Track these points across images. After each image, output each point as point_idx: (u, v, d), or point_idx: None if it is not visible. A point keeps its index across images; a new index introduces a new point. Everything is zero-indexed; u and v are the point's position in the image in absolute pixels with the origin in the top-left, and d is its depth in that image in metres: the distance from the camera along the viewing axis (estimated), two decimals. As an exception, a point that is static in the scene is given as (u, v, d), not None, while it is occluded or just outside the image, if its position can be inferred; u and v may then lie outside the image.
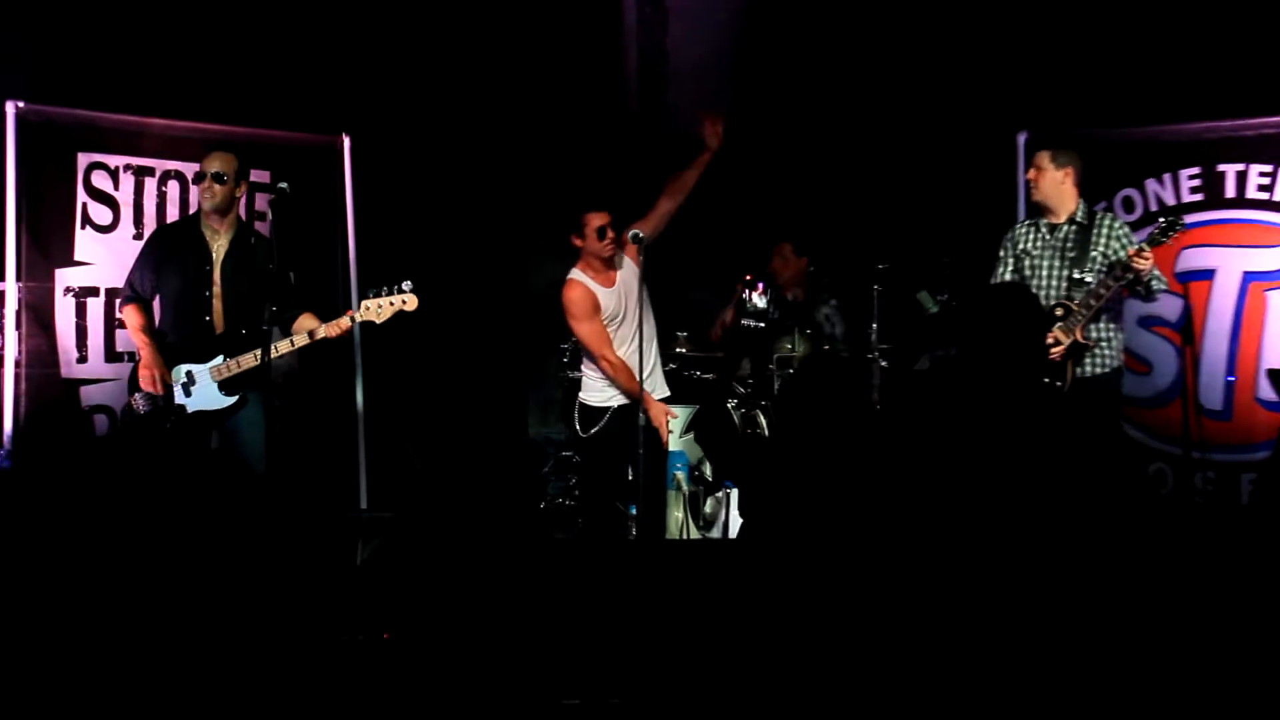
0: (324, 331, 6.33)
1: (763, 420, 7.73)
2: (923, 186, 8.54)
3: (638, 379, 6.50)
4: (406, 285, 6.26)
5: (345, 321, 6.34)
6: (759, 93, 8.91)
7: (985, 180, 7.86)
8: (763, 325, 7.99)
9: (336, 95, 8.05)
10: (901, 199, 8.61)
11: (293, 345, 6.35)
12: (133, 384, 6.55)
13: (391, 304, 6.29)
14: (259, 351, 6.29)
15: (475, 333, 8.67)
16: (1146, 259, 6.27)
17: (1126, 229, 6.62)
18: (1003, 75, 8.22)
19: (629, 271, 6.63)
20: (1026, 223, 6.76)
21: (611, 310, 6.61)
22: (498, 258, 8.84)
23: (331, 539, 6.68)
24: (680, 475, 7.48)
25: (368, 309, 6.31)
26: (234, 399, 6.44)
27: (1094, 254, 6.53)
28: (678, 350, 7.91)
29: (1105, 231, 6.58)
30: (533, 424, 8.98)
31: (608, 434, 6.65)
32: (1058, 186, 6.60)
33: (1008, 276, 6.73)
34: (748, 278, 8.10)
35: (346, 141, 7.83)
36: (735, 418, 7.71)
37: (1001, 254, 6.79)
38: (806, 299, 8.32)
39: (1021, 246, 6.71)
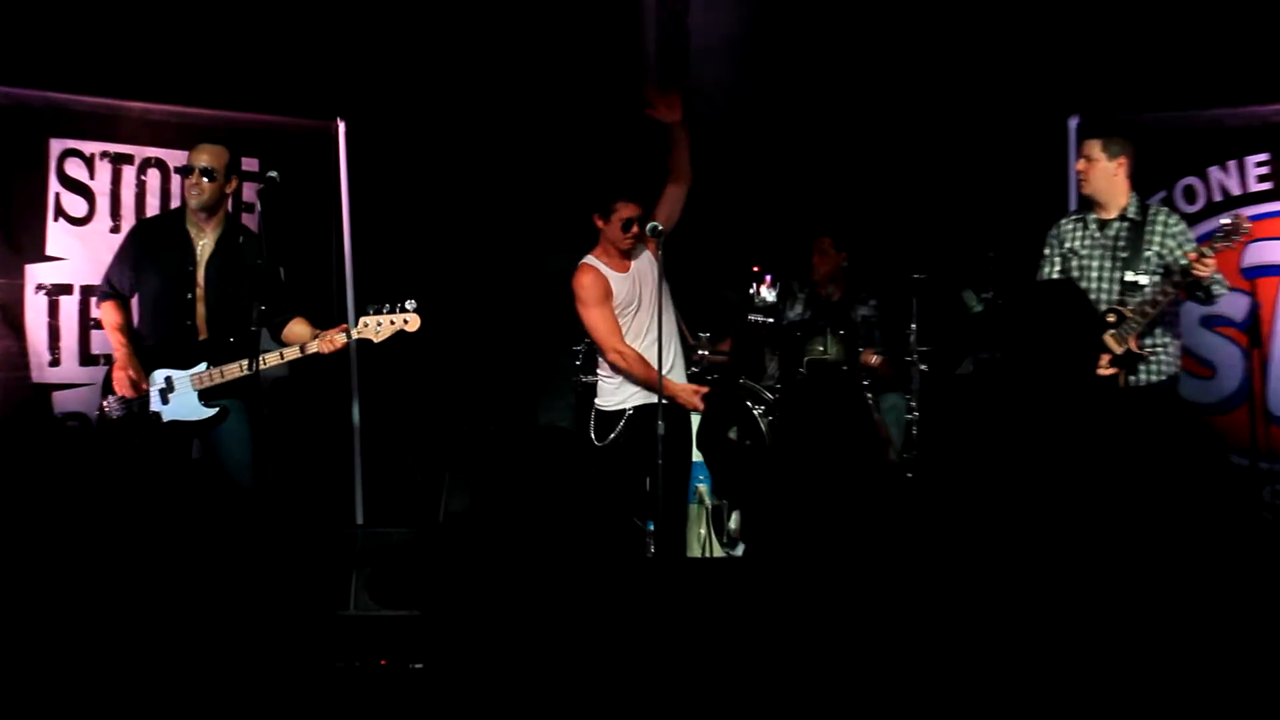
0: (316, 347, 6.29)
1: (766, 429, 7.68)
2: (966, 176, 8.53)
3: (653, 379, 6.47)
4: (410, 304, 6.26)
5: (340, 338, 6.31)
6: (790, 75, 8.88)
7: (1033, 169, 7.83)
8: (771, 321, 7.99)
9: (330, 76, 7.97)
10: (943, 189, 8.59)
11: (282, 358, 6.33)
12: (106, 386, 6.50)
13: (392, 323, 6.28)
14: (245, 362, 6.25)
15: (481, 334, 8.68)
16: (1208, 265, 6.15)
17: (1183, 225, 6.51)
18: (1052, 56, 8.17)
19: (645, 261, 6.66)
20: (1073, 217, 6.68)
21: (624, 297, 6.62)
22: (505, 253, 8.81)
23: (325, 557, 6.63)
24: (703, 488, 7.46)
25: (365, 326, 6.30)
26: (213, 411, 6.40)
27: (1148, 254, 6.44)
28: (700, 353, 7.87)
29: (1160, 229, 6.48)
30: (541, 418, 8.96)
31: (624, 441, 6.62)
32: (1110, 179, 6.52)
33: (1054, 277, 6.64)
34: (755, 269, 8.11)
35: (341, 127, 7.79)
36: (763, 426, 7.65)
37: (1047, 251, 6.71)
38: (843, 298, 8.33)
39: (1068, 245, 6.64)
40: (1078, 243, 6.61)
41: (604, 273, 6.60)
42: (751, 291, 8.14)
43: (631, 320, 6.64)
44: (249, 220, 7.30)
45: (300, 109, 7.79)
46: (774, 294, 8.09)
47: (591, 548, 6.70)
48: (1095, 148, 6.53)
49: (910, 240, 8.28)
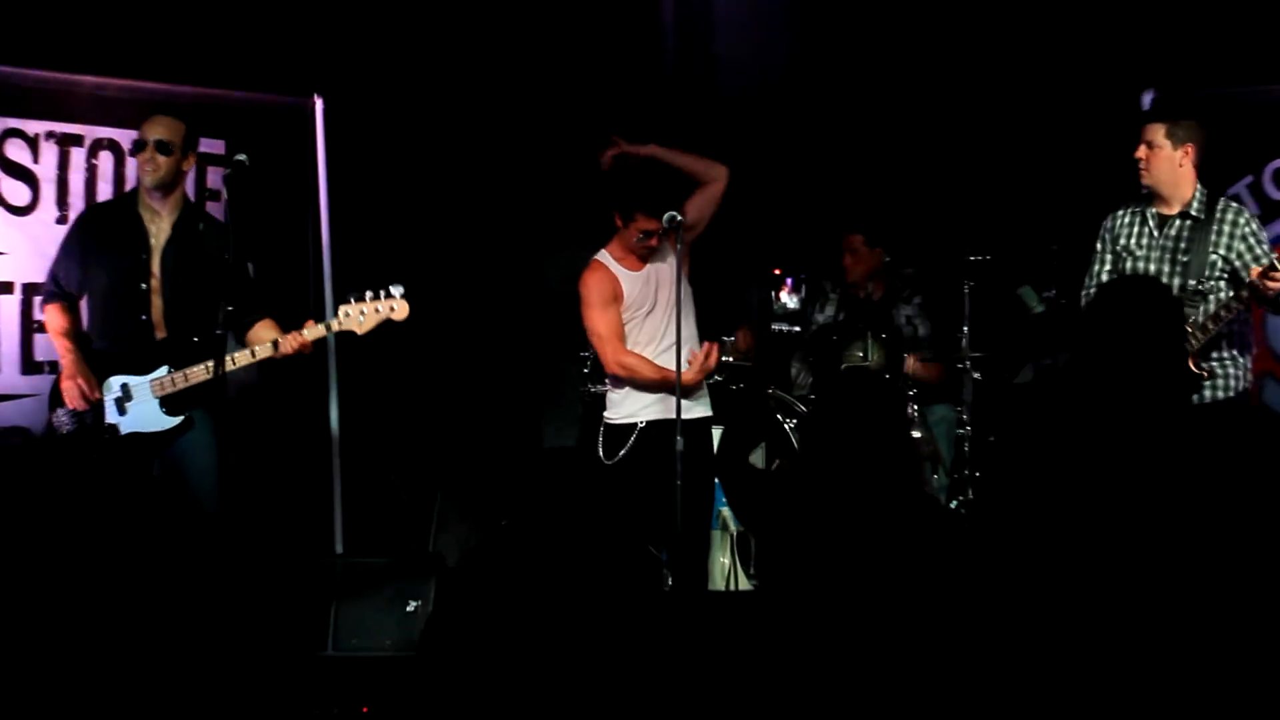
0: (290, 343, 6.24)
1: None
2: (1025, 158, 8.48)
3: (669, 377, 6.49)
4: (396, 290, 6.22)
5: (319, 329, 6.26)
6: (824, 44, 8.88)
7: (1102, 150, 7.60)
8: (797, 329, 8.02)
9: (306, 46, 7.94)
10: (999, 174, 8.55)
11: (253, 357, 6.26)
12: (54, 399, 6.43)
13: (377, 311, 6.24)
14: (211, 363, 6.16)
15: (476, 338, 8.69)
16: (1278, 280, 5.97)
17: (1254, 226, 6.33)
18: (1123, 21, 8.12)
19: (666, 261, 6.64)
20: (1131, 209, 6.54)
21: (635, 299, 6.65)
22: (504, 248, 8.81)
23: (300, 590, 6.70)
24: (726, 512, 7.41)
25: (347, 316, 6.25)
26: (178, 420, 6.34)
27: (1213, 258, 6.26)
28: (724, 359, 7.74)
29: (1228, 229, 6.30)
30: (547, 435, 8.97)
31: (635, 459, 6.63)
32: (1174, 169, 6.34)
33: (1104, 277, 6.53)
34: (776, 271, 8.14)
35: (319, 104, 7.78)
36: (795, 443, 7.61)
37: (1099, 247, 6.60)
38: (884, 297, 8.33)
39: (1123, 242, 6.50)
40: (1133, 240, 6.47)
41: (614, 271, 6.64)
42: (773, 297, 8.20)
43: (643, 323, 6.67)
44: (214, 210, 7.24)
45: (272, 84, 7.78)
46: (797, 299, 8.12)
47: (599, 581, 6.53)
48: (1159, 132, 6.35)
49: (960, 232, 8.21)
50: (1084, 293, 6.57)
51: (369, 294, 6.22)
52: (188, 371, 6.27)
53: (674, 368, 6.41)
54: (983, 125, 8.65)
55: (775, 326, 8.14)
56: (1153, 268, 6.40)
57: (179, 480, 6.40)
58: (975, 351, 7.85)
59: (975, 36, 8.63)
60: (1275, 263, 5.98)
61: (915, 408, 7.75)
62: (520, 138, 8.76)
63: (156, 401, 6.32)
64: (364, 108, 8.11)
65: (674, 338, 6.45)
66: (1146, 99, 7.49)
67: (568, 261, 7.22)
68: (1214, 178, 6.50)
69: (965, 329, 7.80)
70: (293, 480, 7.77)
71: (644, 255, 6.63)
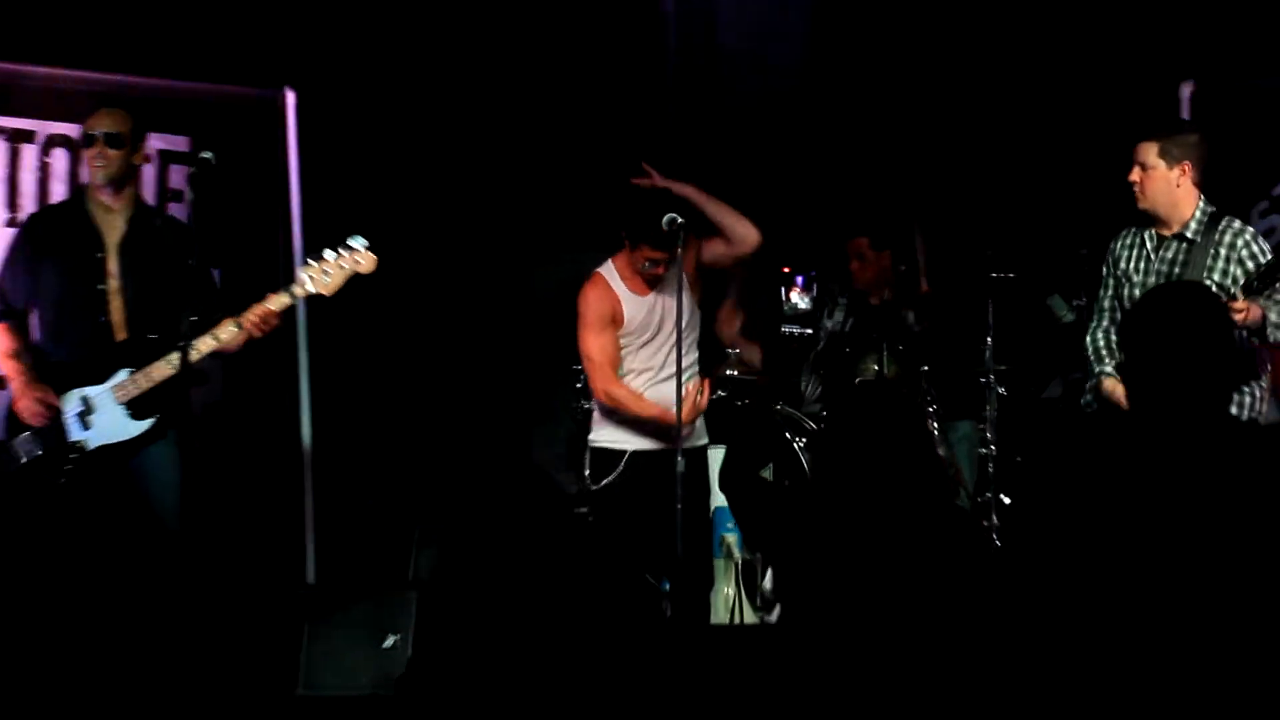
0: (252, 317, 6.18)
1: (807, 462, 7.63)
2: (1053, 156, 8.45)
3: (665, 408, 6.51)
4: (358, 242, 6.23)
5: (282, 298, 6.23)
6: (834, 30, 8.89)
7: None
8: (808, 332, 8.00)
9: (278, 36, 7.95)
10: (1024, 172, 8.54)
11: (217, 342, 6.18)
12: (11, 426, 6.35)
13: (342, 268, 6.23)
14: (175, 357, 6.10)
15: (460, 348, 8.67)
16: (1241, 310, 5.91)
17: (1256, 248, 6.28)
18: (1159, 8, 8.12)
19: (673, 288, 6.48)
20: (1133, 231, 6.53)
21: (636, 324, 6.64)
22: (492, 252, 8.78)
23: (270, 623, 6.70)
24: (731, 539, 7.38)
25: (311, 279, 6.22)
26: (148, 423, 6.28)
27: (1205, 282, 6.24)
28: (727, 372, 7.78)
29: (1225, 252, 6.27)
30: (535, 450, 8.92)
31: (626, 484, 6.63)
32: (1171, 190, 6.33)
33: (1106, 304, 6.55)
34: (785, 270, 8.09)
35: (290, 98, 7.79)
36: (805, 463, 7.56)
37: (1104, 271, 6.60)
38: (893, 301, 8.32)
39: (1122, 266, 6.50)
40: (1130, 264, 6.46)
41: (616, 290, 6.61)
42: (782, 298, 8.14)
43: (639, 350, 6.67)
44: (177, 211, 7.15)
45: (240, 76, 7.76)
46: (808, 299, 8.08)
47: (591, 613, 6.65)
48: (1151, 152, 6.31)
49: (981, 234, 8.17)
50: (1092, 324, 6.59)
51: (328, 252, 6.22)
52: (150, 371, 6.21)
53: (665, 396, 6.49)
54: (1005, 120, 8.64)
55: (785, 329, 8.11)
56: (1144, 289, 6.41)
57: (143, 498, 6.35)
58: (1000, 365, 7.78)
59: (997, 26, 8.64)
60: (1238, 292, 5.95)
61: (936, 424, 7.69)
62: (510, 134, 8.73)
63: (122, 408, 6.27)
64: (339, 101, 8.08)
65: (673, 369, 6.48)
66: (1185, 91, 7.47)
67: (562, 267, 7.27)
68: (1259, 173, 6.46)
69: (989, 340, 7.74)
70: (261, 502, 7.72)
71: (651, 281, 6.61)
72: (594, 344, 6.59)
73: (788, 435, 7.64)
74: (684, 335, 6.46)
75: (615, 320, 6.57)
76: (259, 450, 7.78)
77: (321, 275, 6.20)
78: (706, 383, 6.59)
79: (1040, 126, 8.51)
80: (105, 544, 6.25)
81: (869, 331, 8.05)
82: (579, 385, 7.87)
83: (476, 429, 8.71)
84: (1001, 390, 7.82)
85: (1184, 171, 6.29)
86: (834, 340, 8.13)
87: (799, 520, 6.49)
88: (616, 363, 6.62)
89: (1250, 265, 6.21)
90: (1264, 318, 6.04)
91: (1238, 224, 6.35)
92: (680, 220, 6.27)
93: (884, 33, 8.86)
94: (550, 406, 8.74)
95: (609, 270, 6.62)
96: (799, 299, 8.16)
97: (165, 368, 6.18)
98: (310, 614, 6.74)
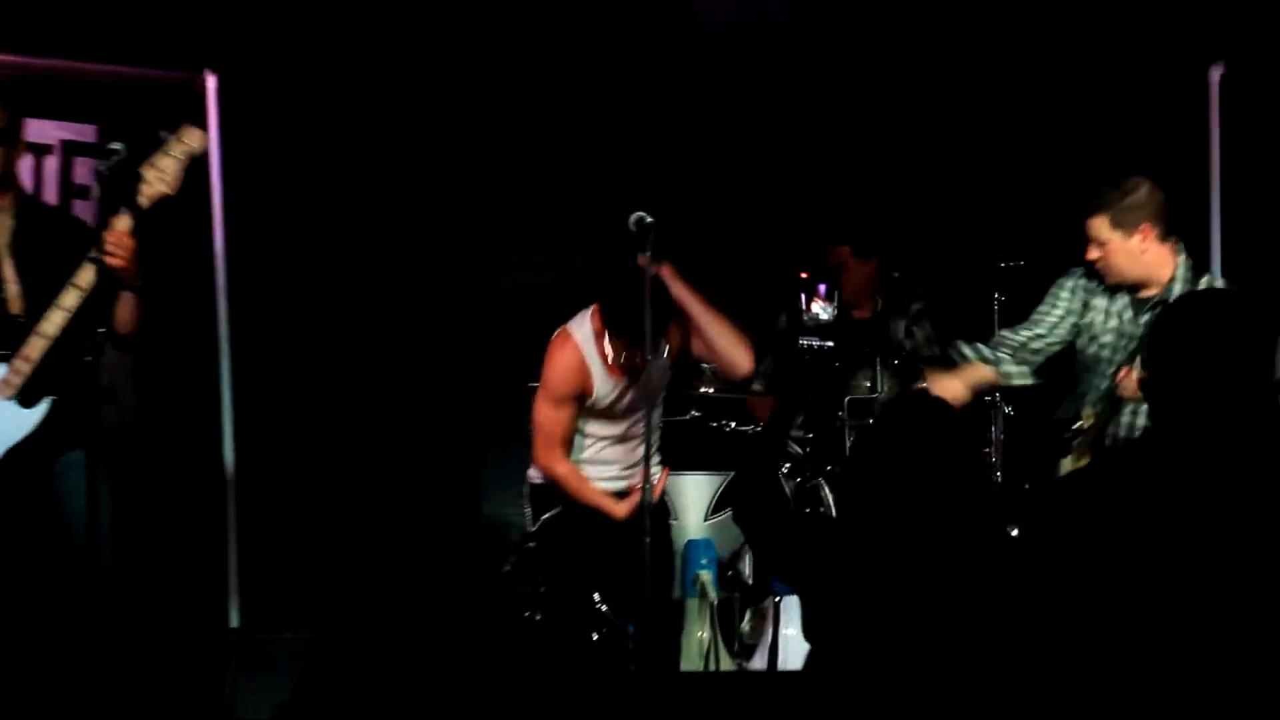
0: (107, 250, 5.86)
1: (830, 495, 7.61)
2: (1067, 146, 8.39)
3: (607, 498, 6.70)
4: (168, 134, 6.00)
5: (124, 217, 5.93)
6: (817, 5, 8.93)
7: (1161, 132, 7.79)
8: (830, 344, 7.88)
9: (197, 13, 7.91)
10: (1034, 165, 8.48)
11: (80, 290, 5.88)
12: None
13: (176, 157, 5.96)
14: (47, 325, 5.88)
15: (403, 361, 8.65)
16: (1132, 383, 6.12)
17: None
18: None
19: (656, 370, 6.47)
20: (1103, 286, 6.54)
21: (604, 403, 6.69)
22: (439, 251, 8.80)
23: (188, 671, 6.64)
24: (705, 576, 7.23)
25: (148, 184, 5.95)
26: (44, 408, 6.03)
27: None
28: (701, 390, 7.74)
29: None
30: (490, 500, 8.88)
31: (570, 521, 6.76)
32: (1137, 259, 6.33)
33: (1027, 336, 6.59)
34: (803, 275, 8.02)
35: (212, 82, 7.71)
36: (788, 489, 7.57)
37: (1056, 299, 6.63)
38: (882, 313, 8.35)
39: (1089, 317, 6.57)
40: (1100, 321, 6.52)
41: (588, 362, 6.62)
42: (800, 307, 8.04)
43: (602, 415, 6.73)
44: (84, 210, 7.08)
45: (155, 58, 7.69)
46: (831, 310, 7.98)
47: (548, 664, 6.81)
48: (1103, 227, 6.27)
49: (985, 234, 8.20)
50: (999, 347, 6.62)
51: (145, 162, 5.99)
52: (25, 352, 5.98)
53: (619, 459, 6.71)
54: (1013, 107, 8.64)
55: (804, 341, 7.98)
56: (1107, 354, 6.46)
57: (59, 528, 6.14)
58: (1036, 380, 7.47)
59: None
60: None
61: None
62: (457, 122, 8.71)
63: (13, 404, 6.05)
64: (266, 86, 8.05)
65: (633, 436, 6.66)
66: (1215, 76, 7.42)
67: (517, 275, 7.62)
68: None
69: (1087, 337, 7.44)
70: (178, 534, 7.69)
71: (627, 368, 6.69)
72: (549, 415, 6.66)
73: (774, 461, 7.41)
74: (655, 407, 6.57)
75: (583, 394, 6.61)
76: (176, 476, 7.75)
77: (158, 175, 5.96)
78: (665, 472, 6.68)
79: (1047, 114, 8.53)
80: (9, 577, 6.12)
81: (859, 347, 8.00)
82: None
83: (422, 452, 8.70)
84: (1008, 410, 7.75)
85: (1145, 235, 6.26)
86: (819, 359, 8.00)
87: (833, 552, 6.44)
88: (567, 438, 6.69)
89: None
90: None
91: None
92: (649, 220, 6.13)
93: (871, 8, 8.87)
94: (501, 424, 8.65)
95: (584, 334, 6.60)
96: (820, 309, 8.02)
97: (39, 341, 5.96)
98: (233, 662, 6.62)
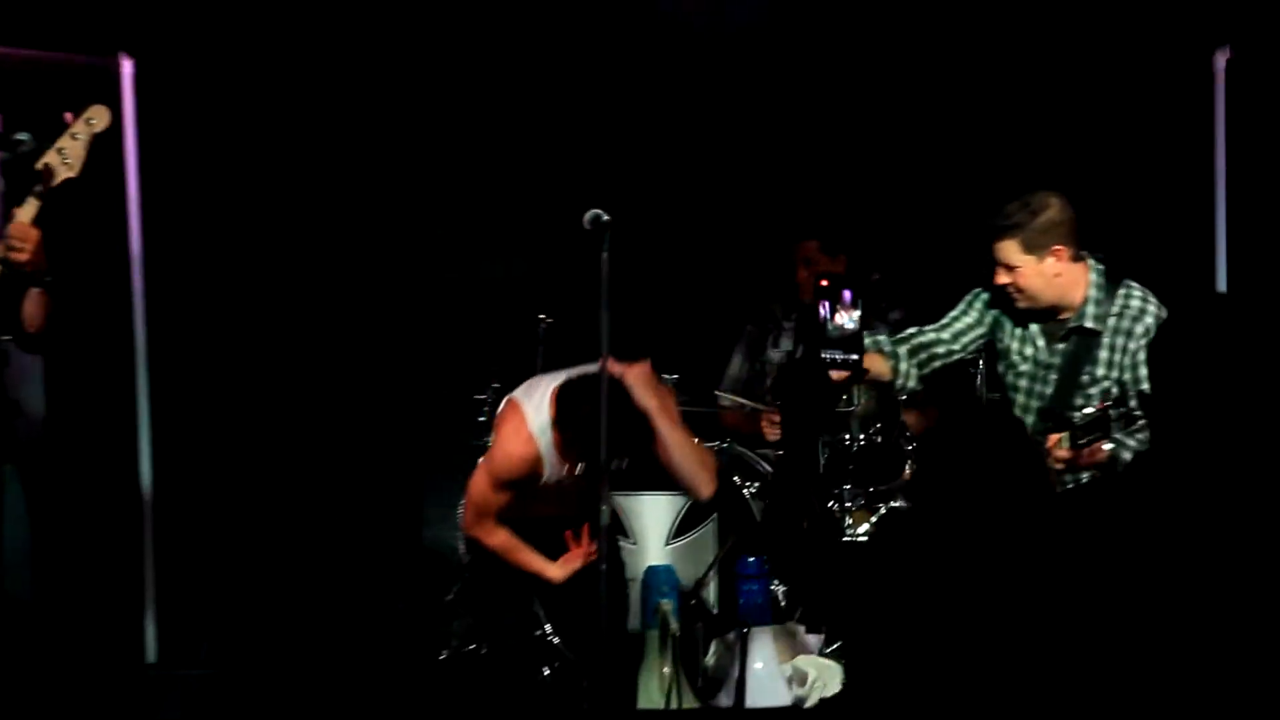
0: (10, 245, 5.82)
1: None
2: (1064, 137, 8.36)
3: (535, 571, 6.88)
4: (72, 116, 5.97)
5: (32, 202, 5.86)
6: None
7: (1162, 123, 7.85)
8: (854, 358, 7.54)
9: None
10: (1030, 155, 8.35)
11: None
12: None
13: (76, 138, 5.89)
14: None
15: (334, 371, 8.63)
16: (1062, 461, 6.17)
17: (1147, 336, 6.34)
18: None
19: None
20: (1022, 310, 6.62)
21: (550, 483, 6.77)
22: (375, 253, 8.76)
23: (99, 710, 6.62)
24: (666, 606, 7.05)
25: (50, 169, 5.85)
26: None
27: (1083, 378, 6.45)
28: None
29: (1121, 342, 6.43)
30: (431, 524, 8.76)
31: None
32: (1050, 282, 6.43)
33: (942, 336, 6.70)
34: (823, 284, 7.69)
35: (128, 67, 7.69)
36: (754, 510, 7.52)
37: (964, 304, 6.76)
38: (807, 322, 8.10)
39: (1004, 343, 6.69)
40: (1017, 347, 6.63)
41: (540, 448, 6.67)
42: (823, 317, 7.65)
43: (543, 490, 6.79)
44: None
45: (66, 40, 7.68)
46: (855, 318, 7.60)
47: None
48: (1012, 251, 6.39)
49: (967, 234, 7.83)
50: (900, 342, 6.79)
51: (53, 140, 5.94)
52: None
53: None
54: (1003, 94, 8.57)
55: (826, 354, 7.62)
56: (1036, 388, 6.54)
57: None
58: (994, 392, 7.51)
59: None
60: (1064, 441, 6.12)
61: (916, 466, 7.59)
62: (394, 112, 8.68)
63: None
64: (187, 70, 8.01)
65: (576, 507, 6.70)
66: (1220, 62, 7.42)
67: (462, 274, 7.66)
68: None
69: (981, 365, 7.54)
70: (91, 561, 7.66)
71: None
72: (488, 494, 6.73)
73: (736, 480, 7.53)
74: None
75: (529, 477, 6.67)
76: (89, 498, 7.72)
77: (62, 159, 5.88)
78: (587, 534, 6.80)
79: (1042, 102, 8.48)
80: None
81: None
82: (481, 418, 7.83)
83: (358, 471, 8.67)
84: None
85: (1058, 257, 6.33)
86: (786, 373, 7.91)
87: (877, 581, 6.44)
88: (495, 513, 6.77)
89: (1141, 373, 6.30)
90: (1114, 457, 6.14)
91: (1137, 301, 6.41)
92: (605, 218, 6.06)
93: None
94: (447, 440, 8.48)
95: (539, 423, 6.64)
96: (845, 318, 7.87)
97: None
98: (148, 701, 6.68)
